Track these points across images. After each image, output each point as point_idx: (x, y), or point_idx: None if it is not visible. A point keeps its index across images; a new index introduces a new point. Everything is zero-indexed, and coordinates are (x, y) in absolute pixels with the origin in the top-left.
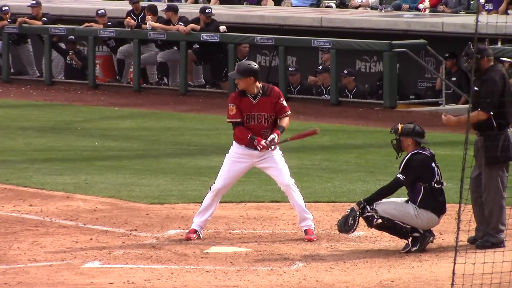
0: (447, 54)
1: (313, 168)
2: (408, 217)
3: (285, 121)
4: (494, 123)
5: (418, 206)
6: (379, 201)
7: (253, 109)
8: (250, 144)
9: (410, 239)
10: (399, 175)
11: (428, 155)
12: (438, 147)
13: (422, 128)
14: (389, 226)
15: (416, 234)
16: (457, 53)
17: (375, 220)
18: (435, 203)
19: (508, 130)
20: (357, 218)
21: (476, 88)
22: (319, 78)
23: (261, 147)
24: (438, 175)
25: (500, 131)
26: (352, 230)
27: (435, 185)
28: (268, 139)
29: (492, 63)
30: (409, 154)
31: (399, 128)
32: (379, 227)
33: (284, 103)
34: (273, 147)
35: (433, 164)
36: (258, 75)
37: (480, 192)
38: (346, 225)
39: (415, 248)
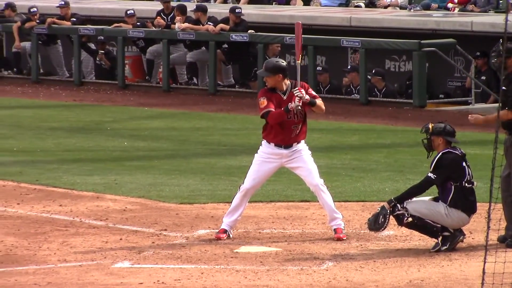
0: (478, 53)
1: (342, 167)
2: (438, 216)
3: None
4: None
5: (448, 205)
6: (410, 200)
7: (283, 105)
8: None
9: (440, 238)
10: (430, 174)
11: (459, 154)
12: (468, 146)
13: (452, 127)
14: (420, 224)
15: (446, 233)
16: (487, 52)
17: (405, 218)
18: (465, 202)
19: None
20: (388, 216)
21: (504, 88)
22: (348, 77)
23: (291, 106)
24: (469, 174)
25: None
26: (383, 229)
27: (466, 184)
28: (295, 100)
29: None
30: (440, 153)
31: (430, 127)
32: (409, 225)
33: (314, 93)
34: (299, 103)
35: (464, 164)
36: (286, 71)
37: (510, 191)
38: (376, 223)
39: (445, 247)
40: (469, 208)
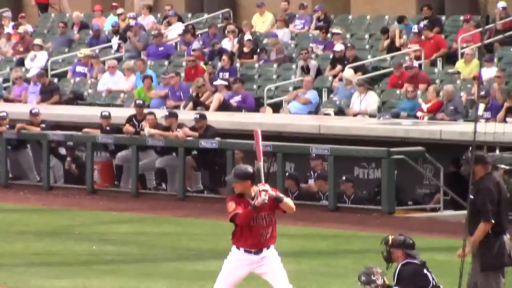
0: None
1: (311, 272)
2: None
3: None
4: (490, 231)
5: None
6: None
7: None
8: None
9: None
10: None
11: (418, 263)
12: (436, 252)
13: (412, 239)
14: None
15: None
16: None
17: None
18: None
19: (504, 236)
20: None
21: (471, 196)
22: (316, 185)
23: (257, 202)
24: (433, 279)
25: (495, 238)
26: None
27: None
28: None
29: (488, 171)
30: (400, 265)
31: (390, 239)
32: None
33: (280, 194)
34: (265, 197)
35: (425, 271)
36: (255, 178)
37: None
38: (360, 278)
39: None
40: None
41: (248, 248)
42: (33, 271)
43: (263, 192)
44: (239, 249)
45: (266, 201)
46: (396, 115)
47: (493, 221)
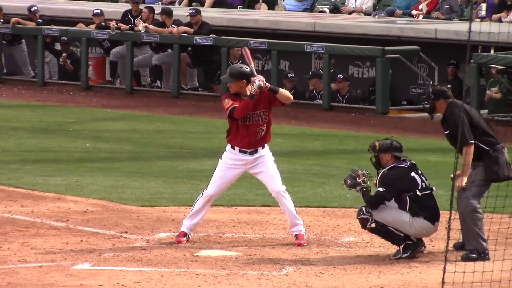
0: (452, 61)
1: (304, 173)
2: (402, 224)
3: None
4: (484, 146)
5: (411, 215)
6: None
7: None
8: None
9: (402, 246)
10: (380, 189)
11: (405, 166)
12: (430, 153)
13: (399, 142)
14: (383, 231)
15: (408, 242)
16: (458, 62)
17: (369, 223)
18: (425, 209)
19: (504, 150)
20: (355, 187)
21: (446, 132)
22: (310, 83)
23: (253, 90)
24: (423, 182)
25: (496, 153)
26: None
27: (421, 192)
28: (255, 85)
29: (450, 102)
30: (385, 169)
31: (377, 145)
32: (372, 231)
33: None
34: (260, 83)
35: (413, 174)
36: (250, 77)
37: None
38: (346, 181)
39: (406, 255)
40: (431, 216)
41: (243, 148)
42: (26, 168)
43: (257, 79)
44: (234, 148)
45: (263, 85)
46: (391, 13)
47: (472, 142)
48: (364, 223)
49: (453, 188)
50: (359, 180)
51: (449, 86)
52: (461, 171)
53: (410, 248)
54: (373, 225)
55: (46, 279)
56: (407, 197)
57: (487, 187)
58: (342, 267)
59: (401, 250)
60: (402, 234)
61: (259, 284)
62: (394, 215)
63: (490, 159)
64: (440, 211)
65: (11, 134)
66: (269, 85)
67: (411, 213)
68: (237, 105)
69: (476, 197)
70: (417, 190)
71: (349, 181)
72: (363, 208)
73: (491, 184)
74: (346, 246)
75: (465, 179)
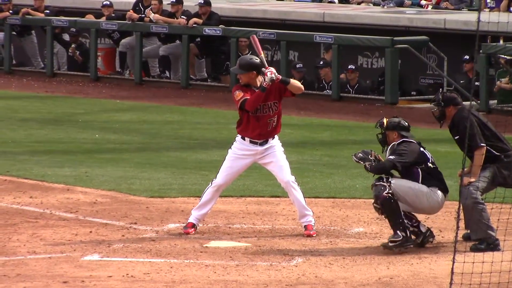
0: (467, 57)
1: (313, 163)
2: (421, 195)
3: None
4: (494, 152)
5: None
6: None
7: None
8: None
9: (398, 232)
10: (390, 157)
11: (414, 142)
12: (439, 144)
13: (407, 122)
14: (392, 207)
15: (403, 233)
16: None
17: (385, 191)
18: (438, 181)
19: None
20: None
21: (456, 137)
22: (321, 73)
23: (265, 83)
24: (431, 157)
25: (509, 157)
26: (355, 158)
27: (431, 165)
28: (266, 78)
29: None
30: (396, 143)
31: (385, 122)
32: (384, 202)
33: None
34: (272, 75)
35: (422, 149)
36: (260, 68)
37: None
38: (357, 155)
39: (397, 248)
40: (444, 187)
41: (254, 139)
42: (36, 159)
43: (268, 71)
44: (244, 139)
45: (274, 78)
46: (400, 4)
47: (483, 144)
48: (380, 191)
49: (462, 177)
50: (370, 157)
51: (462, 81)
52: (471, 171)
53: (400, 242)
54: (389, 195)
55: (56, 270)
56: (419, 169)
57: (491, 188)
58: (352, 257)
59: (394, 237)
60: (405, 221)
61: (269, 275)
62: (413, 185)
63: (501, 163)
64: (449, 202)
65: (20, 125)
66: (280, 77)
67: (426, 184)
68: (248, 97)
69: (479, 190)
70: (428, 163)
71: (360, 154)
72: (383, 177)
73: (496, 186)
74: (356, 236)
75: (473, 180)
